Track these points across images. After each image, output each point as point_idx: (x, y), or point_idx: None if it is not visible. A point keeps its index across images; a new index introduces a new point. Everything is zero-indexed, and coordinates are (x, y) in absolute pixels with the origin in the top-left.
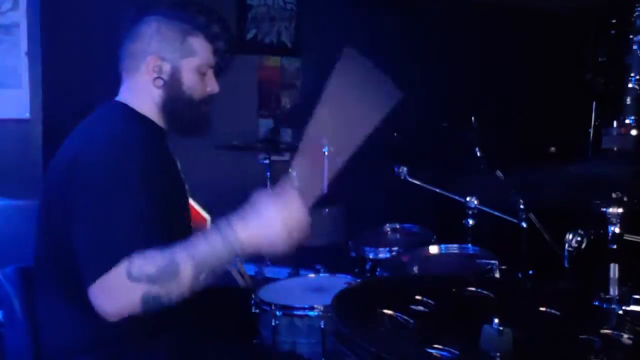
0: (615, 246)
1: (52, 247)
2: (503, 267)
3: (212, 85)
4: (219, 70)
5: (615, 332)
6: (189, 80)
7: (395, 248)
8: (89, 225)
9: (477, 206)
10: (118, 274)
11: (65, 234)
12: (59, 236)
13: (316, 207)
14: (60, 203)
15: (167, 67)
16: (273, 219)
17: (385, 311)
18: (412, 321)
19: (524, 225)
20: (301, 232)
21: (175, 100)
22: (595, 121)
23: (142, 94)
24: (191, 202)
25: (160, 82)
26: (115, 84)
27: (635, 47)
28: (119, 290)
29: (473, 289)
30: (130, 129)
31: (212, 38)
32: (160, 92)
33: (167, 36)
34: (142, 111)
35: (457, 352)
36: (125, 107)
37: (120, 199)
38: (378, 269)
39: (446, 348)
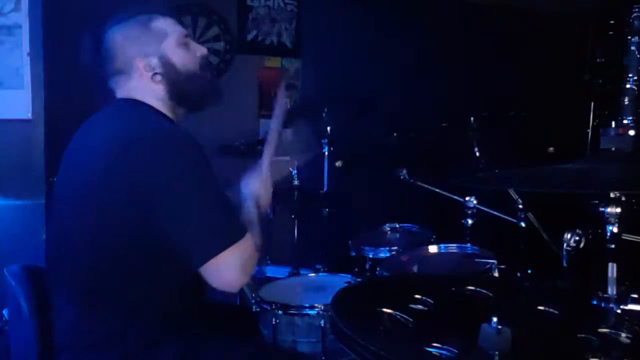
0: (613, 246)
1: (79, 247)
2: (502, 266)
3: (199, 50)
4: (220, 72)
5: (614, 331)
6: (178, 58)
7: (395, 247)
8: (196, 212)
9: (476, 206)
10: (249, 243)
11: (109, 231)
12: (97, 234)
13: (316, 207)
14: (107, 202)
15: (154, 60)
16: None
17: (385, 310)
18: (411, 320)
19: (523, 224)
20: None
21: (178, 82)
22: (593, 121)
23: (145, 94)
24: None
25: (158, 77)
26: None
27: (632, 47)
28: (251, 258)
29: (472, 288)
30: (174, 126)
31: (166, 11)
32: (161, 86)
33: (133, 36)
34: (156, 107)
35: (455, 351)
36: (144, 104)
37: (210, 182)
38: (378, 269)
39: (445, 347)
